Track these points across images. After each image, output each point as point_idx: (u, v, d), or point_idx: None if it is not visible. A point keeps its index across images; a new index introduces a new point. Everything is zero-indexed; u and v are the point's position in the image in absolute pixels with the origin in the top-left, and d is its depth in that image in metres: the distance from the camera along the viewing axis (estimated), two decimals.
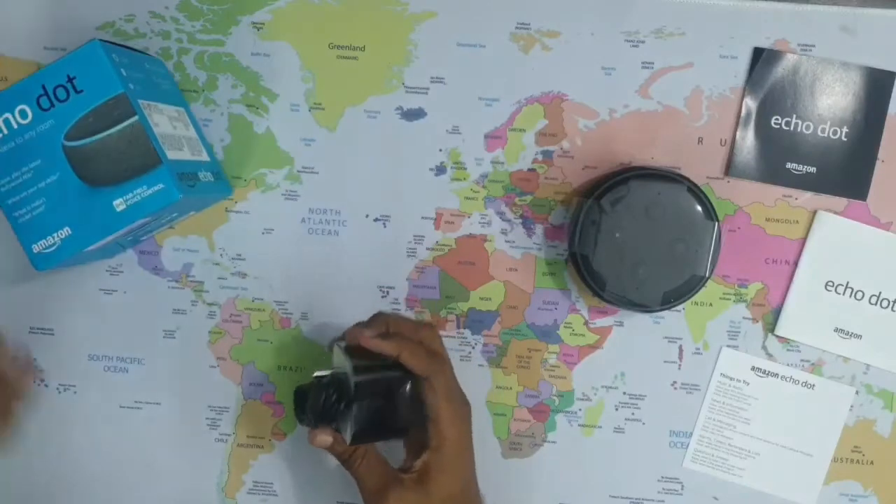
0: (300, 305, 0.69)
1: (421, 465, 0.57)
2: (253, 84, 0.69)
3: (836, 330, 0.68)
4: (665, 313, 0.69)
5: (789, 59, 0.67)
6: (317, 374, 0.58)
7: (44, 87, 0.57)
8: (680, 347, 0.69)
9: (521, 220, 0.69)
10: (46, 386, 0.71)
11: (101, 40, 0.58)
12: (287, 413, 0.70)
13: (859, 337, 0.68)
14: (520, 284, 0.69)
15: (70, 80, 0.57)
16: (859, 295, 0.68)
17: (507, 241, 0.69)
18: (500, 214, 0.69)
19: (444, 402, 0.57)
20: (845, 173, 0.67)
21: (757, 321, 0.69)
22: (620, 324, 0.69)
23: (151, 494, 0.71)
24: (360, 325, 0.62)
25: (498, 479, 0.70)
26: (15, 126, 0.58)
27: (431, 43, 0.68)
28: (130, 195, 0.58)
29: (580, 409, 0.70)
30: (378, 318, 0.62)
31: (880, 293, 0.68)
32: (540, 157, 0.69)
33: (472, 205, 0.69)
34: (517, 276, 0.69)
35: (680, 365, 0.69)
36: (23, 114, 0.58)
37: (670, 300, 0.64)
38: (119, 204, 0.58)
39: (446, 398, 0.57)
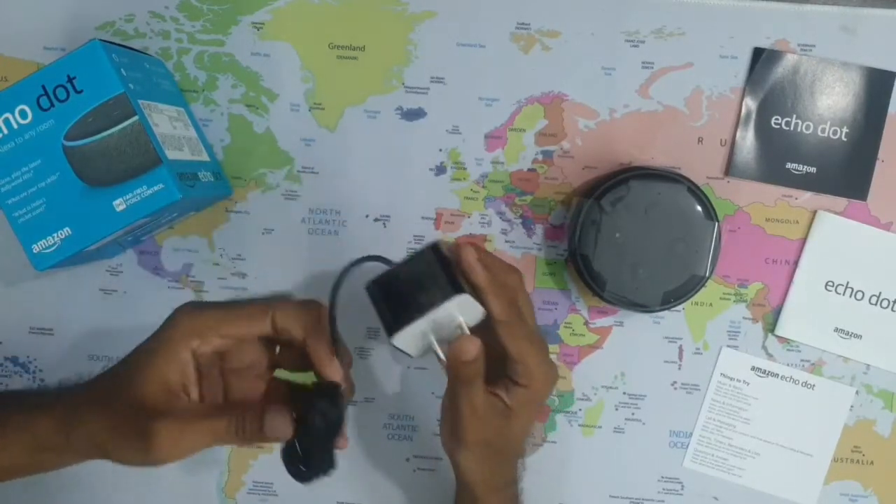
0: None
1: (508, 398, 0.56)
2: (253, 84, 0.69)
3: (836, 330, 0.68)
4: (665, 313, 0.69)
5: (789, 59, 0.67)
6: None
7: (44, 87, 0.57)
8: (680, 347, 0.69)
9: (521, 220, 0.69)
10: (46, 386, 0.71)
11: (101, 40, 0.58)
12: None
13: (859, 337, 0.68)
14: None
15: (70, 80, 0.57)
16: (859, 295, 0.68)
17: (507, 241, 0.69)
18: (500, 214, 0.69)
19: (527, 344, 0.55)
20: (845, 173, 0.67)
21: (757, 321, 0.69)
22: (620, 324, 0.69)
23: (151, 494, 0.71)
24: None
25: None
26: (15, 126, 0.58)
27: (431, 43, 0.68)
28: (130, 195, 0.58)
29: (580, 409, 0.70)
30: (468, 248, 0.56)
31: (880, 293, 0.68)
32: (540, 157, 0.69)
33: (472, 205, 0.69)
34: None
35: (680, 365, 0.69)
36: (23, 114, 0.58)
37: (670, 300, 0.64)
38: (119, 204, 0.58)
39: (528, 340, 0.56)
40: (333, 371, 0.54)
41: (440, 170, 0.69)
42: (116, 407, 0.52)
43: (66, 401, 0.54)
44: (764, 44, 0.67)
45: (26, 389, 0.64)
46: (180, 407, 0.52)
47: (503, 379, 0.56)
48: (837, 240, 0.68)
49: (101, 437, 0.52)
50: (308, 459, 0.54)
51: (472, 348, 0.51)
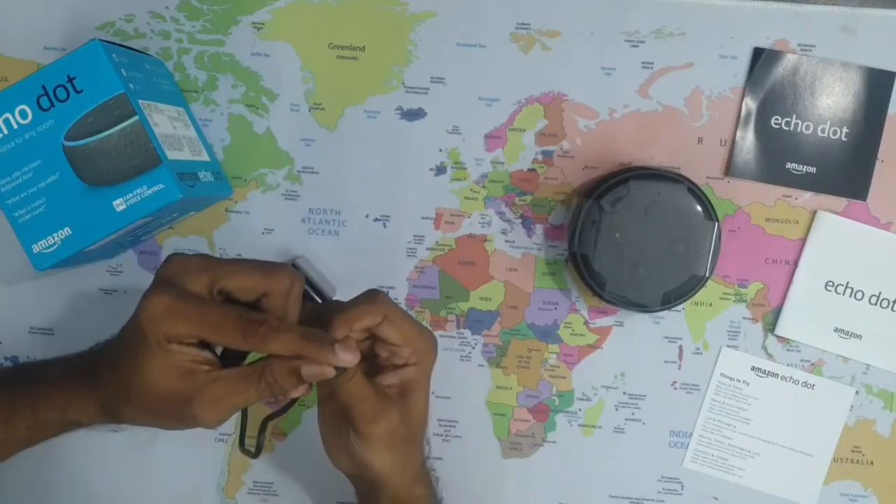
0: None
1: (399, 381, 0.56)
2: (253, 84, 0.69)
3: (836, 330, 0.68)
4: (665, 313, 0.69)
5: (789, 59, 0.67)
6: None
7: (44, 87, 0.57)
8: (680, 347, 0.69)
9: (521, 220, 0.69)
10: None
11: (101, 40, 0.58)
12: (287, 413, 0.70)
13: (859, 337, 0.68)
14: (520, 284, 0.69)
15: (70, 80, 0.57)
16: (859, 295, 0.68)
17: (507, 241, 0.69)
18: (500, 214, 0.69)
19: (408, 325, 0.55)
20: (845, 173, 0.67)
21: (757, 321, 0.69)
22: (620, 324, 0.69)
23: (151, 494, 0.71)
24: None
25: (498, 479, 0.70)
26: (15, 126, 0.58)
27: (431, 43, 0.68)
28: (130, 195, 0.58)
29: (580, 409, 0.70)
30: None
31: (880, 293, 0.68)
32: (540, 157, 0.69)
33: (472, 205, 0.69)
34: (517, 276, 0.69)
35: (680, 365, 0.69)
36: (23, 114, 0.58)
37: (670, 300, 0.64)
38: (119, 204, 0.58)
39: (405, 320, 0.55)
40: (339, 360, 0.51)
41: (440, 170, 0.69)
42: (151, 407, 0.52)
43: (101, 395, 0.55)
44: (764, 44, 0.67)
45: (59, 362, 0.63)
46: (206, 382, 0.51)
47: (383, 368, 0.56)
48: (837, 240, 0.68)
49: (150, 422, 0.54)
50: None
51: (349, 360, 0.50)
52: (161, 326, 0.49)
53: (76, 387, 0.56)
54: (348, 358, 0.50)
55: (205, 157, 0.66)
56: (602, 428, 0.70)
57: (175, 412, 0.51)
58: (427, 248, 0.69)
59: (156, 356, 0.50)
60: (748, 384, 0.69)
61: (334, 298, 0.65)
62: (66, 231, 0.58)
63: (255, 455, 0.55)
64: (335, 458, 0.58)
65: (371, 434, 0.54)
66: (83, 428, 0.58)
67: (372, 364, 0.57)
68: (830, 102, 0.67)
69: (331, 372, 0.50)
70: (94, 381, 0.55)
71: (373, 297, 0.55)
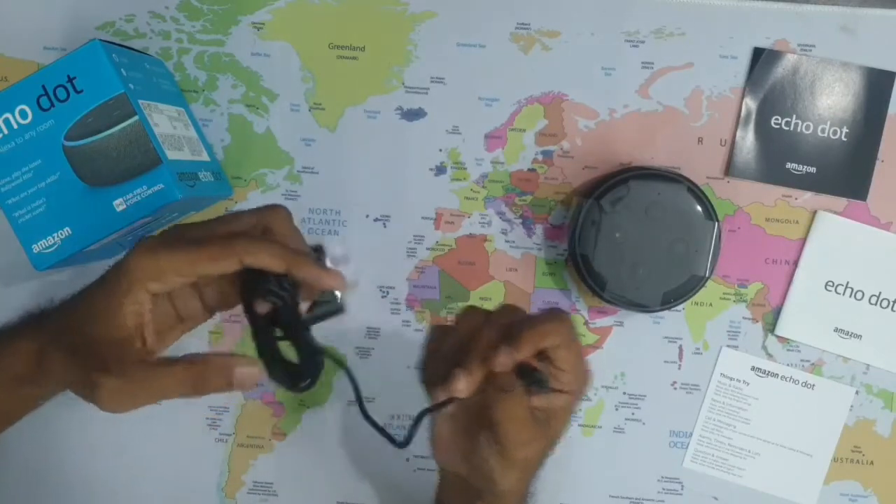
0: None
1: (549, 405, 0.53)
2: (253, 84, 0.69)
3: (836, 330, 0.68)
4: (665, 313, 0.69)
5: (789, 59, 0.67)
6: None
7: (44, 87, 0.57)
8: (680, 347, 0.69)
9: (521, 220, 0.69)
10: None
11: (101, 40, 0.58)
12: (287, 413, 0.70)
13: (859, 337, 0.68)
14: (520, 284, 0.69)
15: (70, 80, 0.57)
16: (859, 295, 0.68)
17: (507, 241, 0.69)
18: (500, 214, 0.69)
19: (579, 354, 0.53)
20: (845, 173, 0.67)
21: (757, 321, 0.69)
22: (620, 324, 0.69)
23: (151, 494, 0.71)
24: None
25: None
26: (15, 126, 0.58)
27: (431, 43, 0.68)
28: (130, 195, 0.58)
29: (580, 409, 0.70)
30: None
31: (880, 293, 0.68)
32: (540, 157, 0.69)
33: (472, 205, 0.69)
34: (517, 276, 0.69)
35: (680, 365, 0.69)
36: (23, 114, 0.58)
37: (670, 300, 0.64)
38: (119, 204, 0.58)
39: (577, 353, 0.53)
40: (333, 281, 0.51)
41: (440, 170, 0.69)
42: (77, 347, 0.50)
43: (42, 336, 0.52)
44: (764, 44, 0.67)
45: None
46: (129, 359, 0.49)
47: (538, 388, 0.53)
48: (837, 240, 0.68)
49: (71, 371, 0.51)
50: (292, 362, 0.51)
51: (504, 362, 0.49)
52: (155, 262, 0.48)
53: (21, 329, 0.53)
54: (337, 283, 0.50)
55: (205, 157, 0.66)
56: (602, 428, 0.70)
57: (87, 374, 0.49)
58: (427, 248, 0.69)
59: (121, 300, 0.48)
60: (748, 384, 0.69)
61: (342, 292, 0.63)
62: (66, 231, 0.58)
63: (404, 445, 0.52)
64: (445, 455, 0.56)
65: (516, 457, 0.52)
66: (22, 384, 0.52)
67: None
68: (830, 102, 0.67)
69: (256, 378, 0.49)
70: (42, 321, 0.53)
71: (560, 316, 0.53)
